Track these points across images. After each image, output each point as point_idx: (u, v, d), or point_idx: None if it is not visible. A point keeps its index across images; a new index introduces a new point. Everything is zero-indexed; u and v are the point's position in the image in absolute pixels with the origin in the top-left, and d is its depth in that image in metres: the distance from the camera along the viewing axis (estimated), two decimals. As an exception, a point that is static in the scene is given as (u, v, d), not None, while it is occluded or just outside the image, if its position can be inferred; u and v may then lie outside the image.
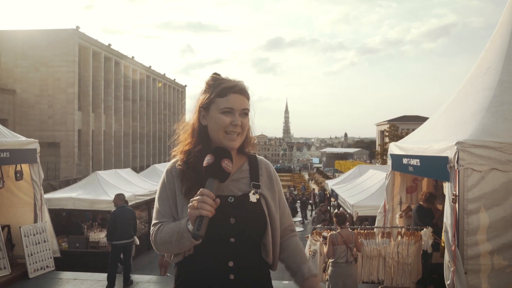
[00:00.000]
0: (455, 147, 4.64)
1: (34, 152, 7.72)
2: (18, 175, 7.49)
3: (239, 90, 1.62)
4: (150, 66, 45.18)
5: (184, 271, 1.60)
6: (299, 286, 1.68)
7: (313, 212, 25.23)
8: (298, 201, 27.70)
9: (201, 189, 1.43)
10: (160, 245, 1.56)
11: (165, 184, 1.66)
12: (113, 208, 8.08)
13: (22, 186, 7.84)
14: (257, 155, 1.78)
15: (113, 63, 35.37)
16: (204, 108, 1.64)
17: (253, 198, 1.62)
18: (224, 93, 1.61)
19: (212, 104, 1.63)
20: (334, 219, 6.22)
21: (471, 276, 4.61)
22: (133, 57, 39.65)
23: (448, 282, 4.78)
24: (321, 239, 6.47)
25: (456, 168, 4.62)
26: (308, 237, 6.94)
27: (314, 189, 41.31)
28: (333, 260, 5.59)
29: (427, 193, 6.70)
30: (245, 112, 1.62)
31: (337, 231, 5.90)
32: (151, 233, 1.61)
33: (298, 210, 26.95)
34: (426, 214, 6.47)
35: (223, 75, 1.70)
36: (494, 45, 5.98)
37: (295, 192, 34.03)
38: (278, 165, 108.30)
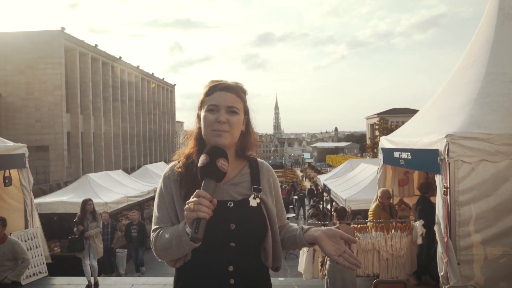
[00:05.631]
0: (445, 140, 4.68)
1: (23, 156, 7.61)
2: (7, 181, 7.38)
3: (225, 87, 1.61)
4: (138, 66, 44.83)
5: (184, 276, 1.58)
6: (302, 241, 1.60)
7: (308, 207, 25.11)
8: (295, 197, 27.48)
9: (197, 190, 1.38)
10: (161, 251, 1.53)
11: (162, 190, 1.64)
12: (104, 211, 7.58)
13: (11, 192, 7.72)
14: (258, 159, 1.75)
15: (100, 64, 35.01)
16: (199, 110, 1.65)
17: (253, 202, 1.59)
18: (211, 91, 1.62)
19: (203, 104, 1.64)
20: (334, 214, 6.22)
21: (464, 266, 4.67)
22: (120, 57, 39.27)
23: (442, 273, 4.83)
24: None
25: (446, 160, 4.67)
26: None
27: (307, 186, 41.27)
28: None
29: (423, 183, 6.77)
30: (232, 110, 1.58)
31: (336, 226, 5.90)
32: (151, 239, 1.59)
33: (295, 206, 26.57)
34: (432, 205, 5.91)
35: (224, 78, 1.70)
36: (480, 38, 6.03)
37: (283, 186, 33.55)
38: (270, 161, 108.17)
